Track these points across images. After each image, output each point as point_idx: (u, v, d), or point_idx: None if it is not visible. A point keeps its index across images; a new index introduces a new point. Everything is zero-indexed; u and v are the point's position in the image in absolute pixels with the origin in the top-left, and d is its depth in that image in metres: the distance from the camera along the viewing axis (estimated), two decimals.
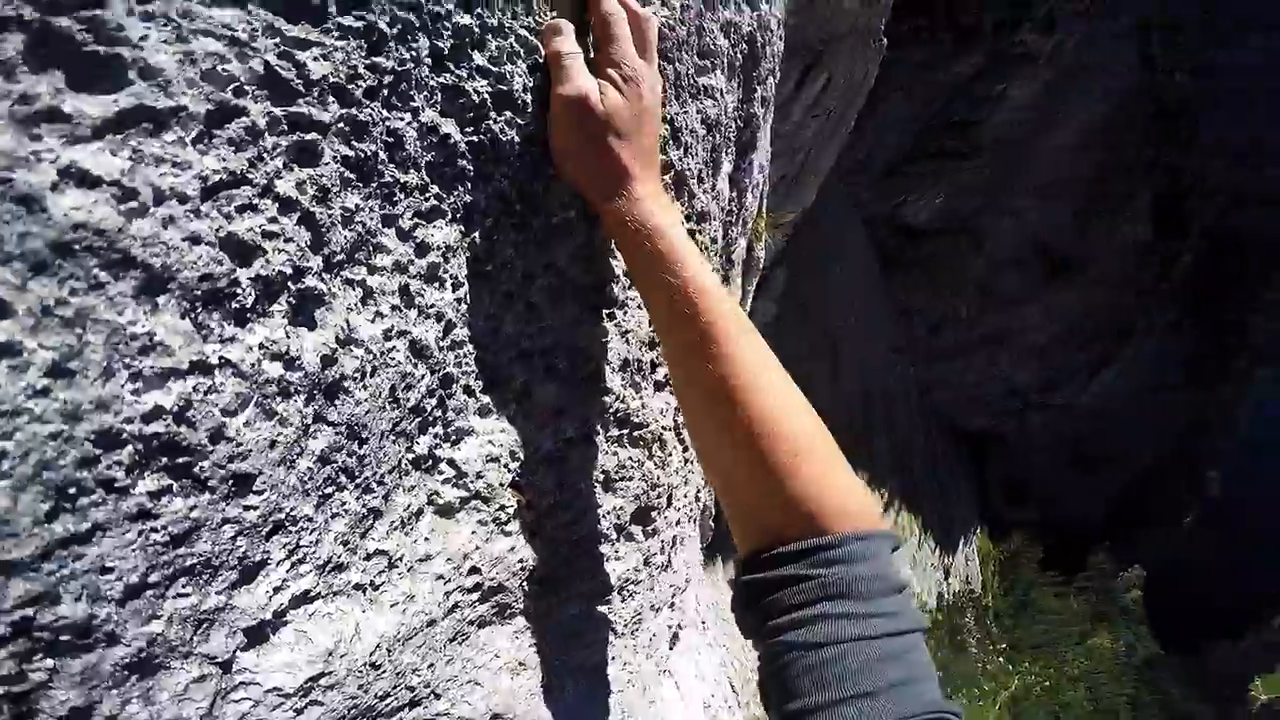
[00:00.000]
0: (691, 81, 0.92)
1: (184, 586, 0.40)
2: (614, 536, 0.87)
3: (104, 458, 0.34)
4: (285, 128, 0.42)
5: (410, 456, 0.58)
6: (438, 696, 0.69)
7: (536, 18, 0.68)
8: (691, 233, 0.93)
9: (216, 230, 0.36)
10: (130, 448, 0.35)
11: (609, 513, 0.85)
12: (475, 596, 0.70)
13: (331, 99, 0.45)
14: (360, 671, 0.56)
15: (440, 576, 0.65)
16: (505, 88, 0.64)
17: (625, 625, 0.94)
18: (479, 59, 0.62)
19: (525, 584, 0.76)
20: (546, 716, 0.79)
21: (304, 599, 0.50)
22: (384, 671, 0.59)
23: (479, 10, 0.61)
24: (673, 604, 1.11)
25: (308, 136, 0.43)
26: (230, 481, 0.40)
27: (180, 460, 0.37)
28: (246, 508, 0.42)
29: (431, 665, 0.67)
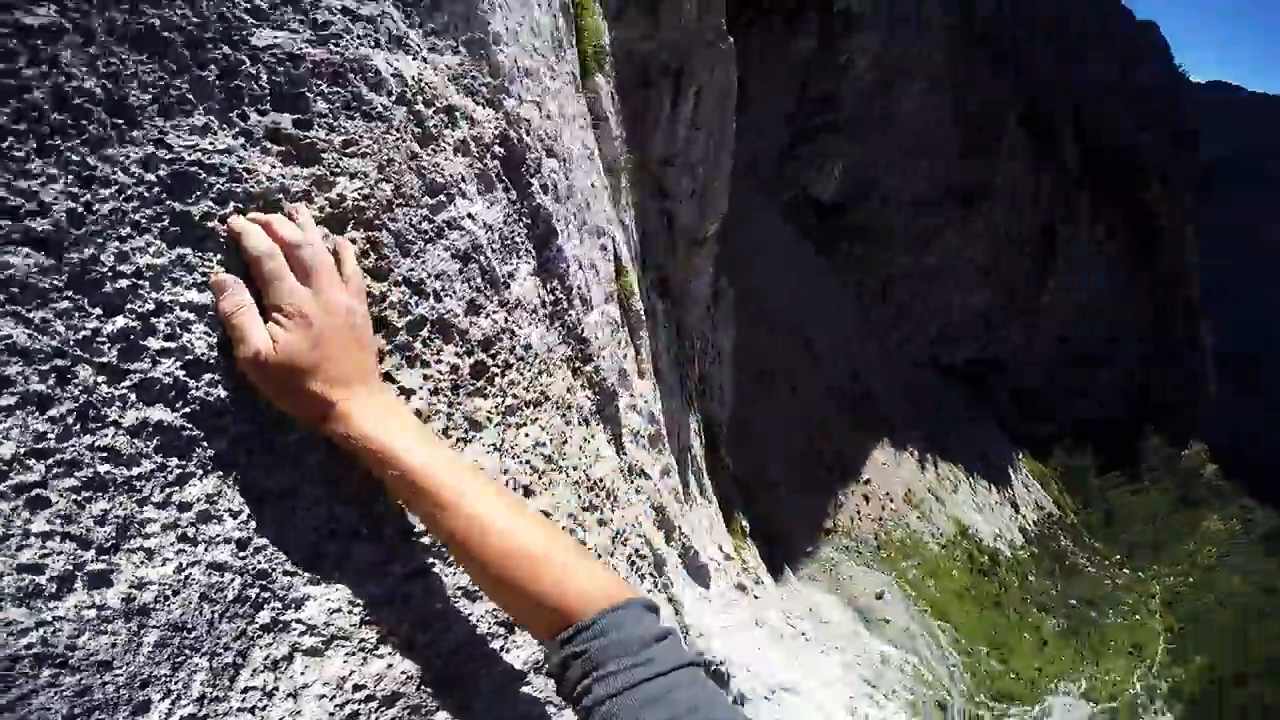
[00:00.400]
0: (422, 229, 0.95)
1: (100, 714, 0.83)
2: (501, 632, 1.09)
3: (15, 667, 0.81)
4: (12, 494, 0.64)
5: (256, 626, 0.96)
6: None
7: (199, 272, 0.74)
8: (481, 364, 1.11)
9: (11, 564, 0.81)
10: (25, 660, 0.81)
11: (484, 615, 1.08)
12: (374, 705, 0.99)
13: (32, 460, 0.65)
14: None
15: (323, 696, 0.97)
16: (192, 356, 0.74)
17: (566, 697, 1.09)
18: (154, 344, 0.71)
19: (422, 687, 1.03)
20: None
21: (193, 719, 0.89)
22: None
23: (129, 307, 0.70)
24: None
25: (32, 493, 0.65)
26: (95, 666, 0.82)
27: (56, 661, 0.80)
28: (114, 675, 0.83)
29: None
